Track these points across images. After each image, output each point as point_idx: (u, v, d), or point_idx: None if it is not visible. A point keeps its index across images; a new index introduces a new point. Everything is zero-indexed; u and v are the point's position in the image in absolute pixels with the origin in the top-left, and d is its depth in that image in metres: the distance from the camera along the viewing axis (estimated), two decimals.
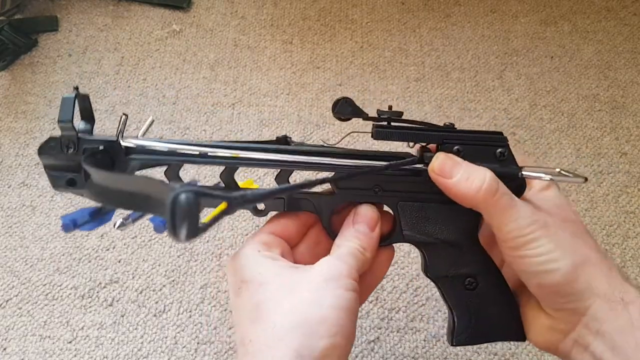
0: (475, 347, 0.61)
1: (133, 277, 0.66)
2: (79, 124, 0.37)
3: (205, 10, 0.98)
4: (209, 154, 0.36)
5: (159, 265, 0.67)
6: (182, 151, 0.36)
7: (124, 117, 0.37)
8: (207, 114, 0.83)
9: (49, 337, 0.62)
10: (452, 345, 0.40)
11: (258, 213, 0.39)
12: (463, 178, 0.35)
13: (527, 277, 0.35)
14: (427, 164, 0.37)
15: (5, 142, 0.80)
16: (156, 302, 0.65)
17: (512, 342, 0.60)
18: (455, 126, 0.38)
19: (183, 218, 0.23)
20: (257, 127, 0.82)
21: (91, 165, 0.34)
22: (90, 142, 0.36)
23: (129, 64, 0.91)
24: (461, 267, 0.38)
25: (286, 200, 0.38)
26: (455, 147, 0.37)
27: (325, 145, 0.38)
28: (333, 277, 0.33)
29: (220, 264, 0.67)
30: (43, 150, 0.36)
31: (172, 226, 0.23)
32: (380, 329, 0.63)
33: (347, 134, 0.40)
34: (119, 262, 0.68)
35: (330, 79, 0.88)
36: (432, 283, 0.65)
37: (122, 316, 0.63)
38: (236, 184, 0.38)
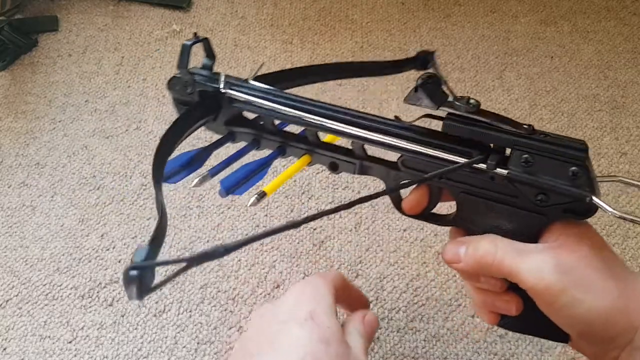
0: (475, 347, 0.61)
1: None
2: (203, 60, 0.44)
3: (205, 11, 0.99)
4: (302, 119, 0.39)
5: None
6: (279, 111, 0.40)
7: (223, 75, 0.42)
8: None
9: (49, 337, 0.62)
10: (498, 325, 0.40)
11: (334, 170, 0.42)
12: (468, 256, 0.36)
13: (570, 327, 0.34)
14: (491, 164, 0.35)
15: (5, 142, 0.80)
16: (156, 302, 0.65)
17: (512, 342, 0.60)
18: (535, 127, 0.36)
19: (130, 286, 0.27)
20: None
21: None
22: (202, 86, 0.42)
23: (129, 64, 0.91)
24: None
25: (358, 166, 0.41)
26: (525, 156, 0.34)
27: (400, 121, 0.39)
28: None
29: (220, 264, 0.67)
30: (170, 86, 0.44)
31: (125, 288, 0.28)
32: (380, 329, 0.63)
33: (421, 117, 0.40)
34: (119, 262, 0.68)
35: None
36: (432, 283, 0.65)
37: (122, 316, 0.63)
38: (319, 139, 0.42)
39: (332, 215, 0.72)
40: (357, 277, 0.66)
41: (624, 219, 0.34)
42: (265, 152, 0.45)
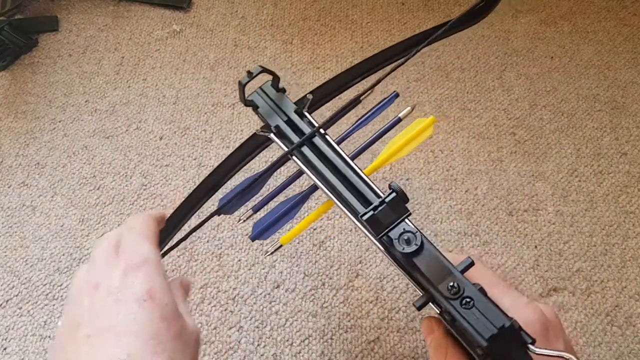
0: None
1: None
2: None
3: (205, 11, 0.99)
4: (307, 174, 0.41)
5: None
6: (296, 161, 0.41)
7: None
8: (207, 114, 0.83)
9: (49, 337, 0.62)
10: None
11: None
12: (432, 348, 0.37)
13: None
14: (419, 302, 0.36)
15: (5, 142, 0.80)
16: None
17: None
18: (477, 256, 0.35)
19: None
20: (258, 127, 0.82)
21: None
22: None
23: (129, 64, 0.91)
24: None
25: None
26: (447, 313, 0.34)
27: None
28: None
29: (220, 264, 0.67)
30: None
31: None
32: (380, 329, 0.63)
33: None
34: None
35: None
36: None
37: None
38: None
39: (332, 215, 0.72)
40: (357, 277, 0.66)
41: None
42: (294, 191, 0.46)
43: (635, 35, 0.93)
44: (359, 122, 0.45)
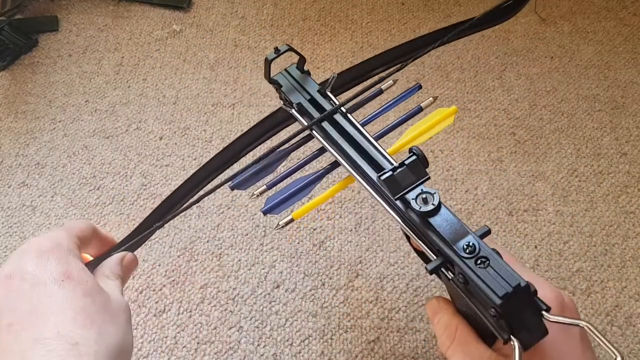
0: None
1: (133, 277, 0.66)
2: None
3: (205, 11, 0.99)
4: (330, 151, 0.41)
5: (159, 265, 0.67)
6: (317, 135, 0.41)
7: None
8: (207, 114, 0.83)
9: None
10: None
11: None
12: (439, 328, 0.37)
13: None
14: (433, 265, 0.34)
15: (5, 142, 0.80)
16: (156, 302, 0.65)
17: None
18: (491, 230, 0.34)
19: None
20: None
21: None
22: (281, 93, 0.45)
23: (129, 64, 0.91)
24: None
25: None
26: (461, 274, 0.32)
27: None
28: None
29: (220, 264, 0.67)
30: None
31: None
32: (380, 329, 0.63)
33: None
34: None
35: None
36: (432, 283, 0.65)
37: None
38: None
39: (332, 215, 0.72)
40: (357, 277, 0.66)
41: None
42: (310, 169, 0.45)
43: (635, 35, 0.93)
44: (381, 108, 0.47)
